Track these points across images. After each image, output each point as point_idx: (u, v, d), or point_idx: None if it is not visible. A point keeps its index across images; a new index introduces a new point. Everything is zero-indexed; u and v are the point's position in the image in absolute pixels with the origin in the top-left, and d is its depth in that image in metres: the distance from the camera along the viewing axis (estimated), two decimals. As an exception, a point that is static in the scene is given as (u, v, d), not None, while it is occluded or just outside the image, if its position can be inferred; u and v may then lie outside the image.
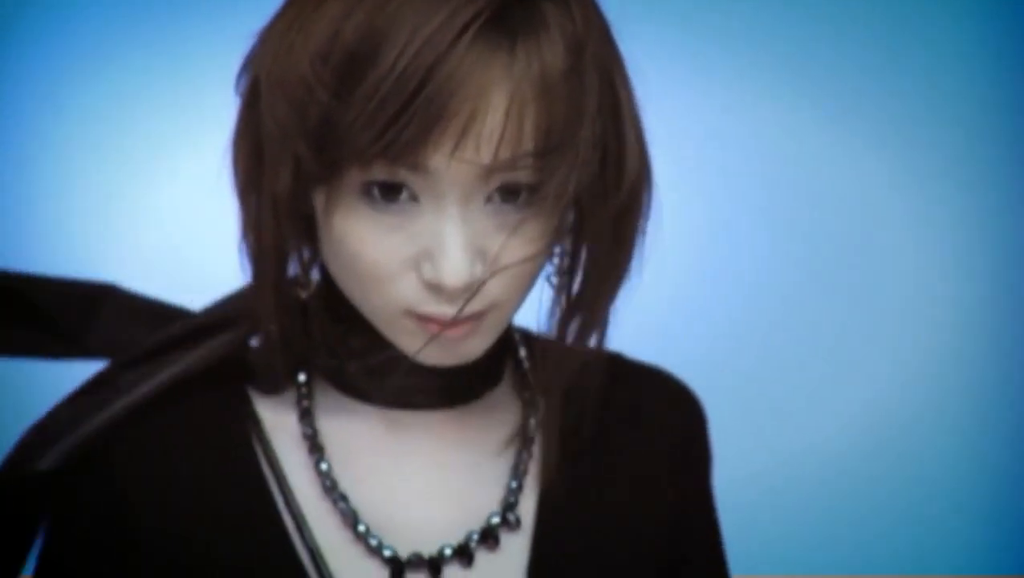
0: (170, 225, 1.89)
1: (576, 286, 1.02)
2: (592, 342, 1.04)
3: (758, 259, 1.89)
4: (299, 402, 1.08)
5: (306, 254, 1.04)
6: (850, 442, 1.92)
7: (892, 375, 1.94)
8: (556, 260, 1.03)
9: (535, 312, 1.05)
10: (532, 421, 1.09)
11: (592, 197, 0.97)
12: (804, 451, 1.87)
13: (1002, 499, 1.94)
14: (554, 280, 1.03)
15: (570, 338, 1.03)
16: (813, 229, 1.92)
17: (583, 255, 1.01)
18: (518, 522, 1.06)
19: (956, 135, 1.93)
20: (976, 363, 1.95)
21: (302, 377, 1.08)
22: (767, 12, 1.91)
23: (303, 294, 1.05)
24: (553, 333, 1.04)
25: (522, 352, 1.11)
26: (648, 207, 1.01)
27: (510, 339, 1.09)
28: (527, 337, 1.11)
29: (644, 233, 1.02)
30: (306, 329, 1.06)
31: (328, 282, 1.04)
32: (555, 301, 1.03)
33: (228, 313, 1.08)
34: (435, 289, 0.96)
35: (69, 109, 1.86)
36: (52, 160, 1.88)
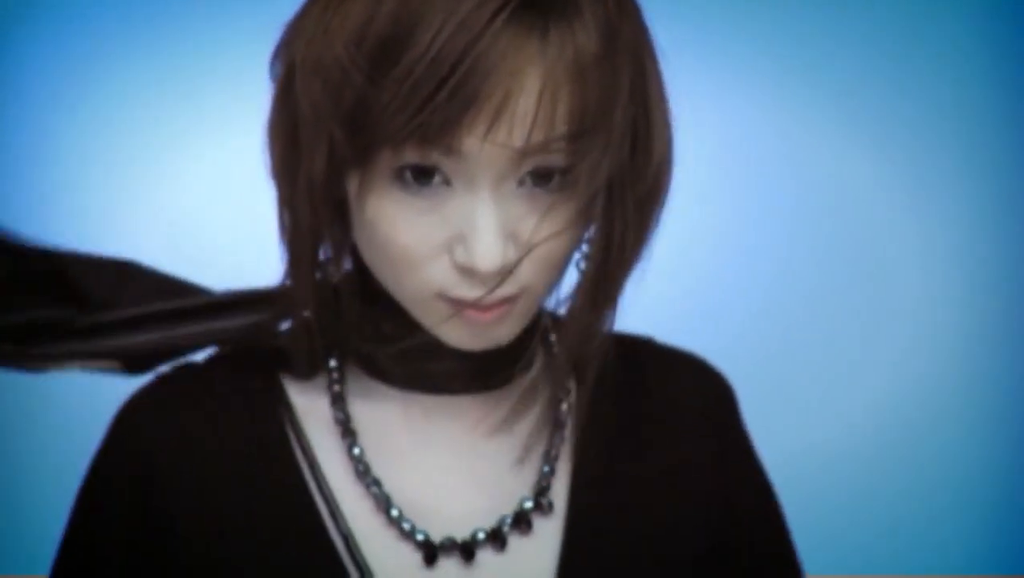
0: (175, 223, 1.88)
1: (590, 267, 1.02)
2: (606, 324, 1.04)
3: (761, 258, 1.90)
4: (331, 387, 1.09)
5: (339, 238, 1.03)
6: (850, 443, 1.93)
7: (892, 376, 1.95)
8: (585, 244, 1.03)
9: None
10: (564, 405, 1.09)
11: (620, 181, 0.97)
12: (805, 452, 1.87)
13: (1004, 499, 1.95)
14: (582, 264, 1.03)
15: (582, 317, 1.03)
16: (818, 228, 1.93)
17: (602, 238, 1.01)
18: (551, 506, 1.06)
19: (973, 135, 1.94)
20: (978, 364, 1.96)
21: (334, 362, 1.09)
22: (785, 16, 1.92)
23: (336, 278, 1.05)
24: (564, 310, 1.03)
25: (553, 337, 1.11)
26: (668, 192, 1.01)
27: (541, 324, 1.09)
28: (558, 322, 1.11)
29: (659, 222, 1.02)
30: (338, 314, 1.06)
31: (361, 267, 1.04)
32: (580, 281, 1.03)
33: (257, 295, 1.08)
34: (467, 272, 0.96)
35: (80, 104, 1.86)
36: (60, 157, 1.87)
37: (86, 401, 1.79)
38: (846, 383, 1.94)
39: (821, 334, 1.96)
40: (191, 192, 1.87)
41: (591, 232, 1.01)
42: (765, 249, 1.91)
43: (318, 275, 1.05)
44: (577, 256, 1.02)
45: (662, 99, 1.00)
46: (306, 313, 1.06)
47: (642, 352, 1.13)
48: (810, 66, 1.93)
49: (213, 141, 1.85)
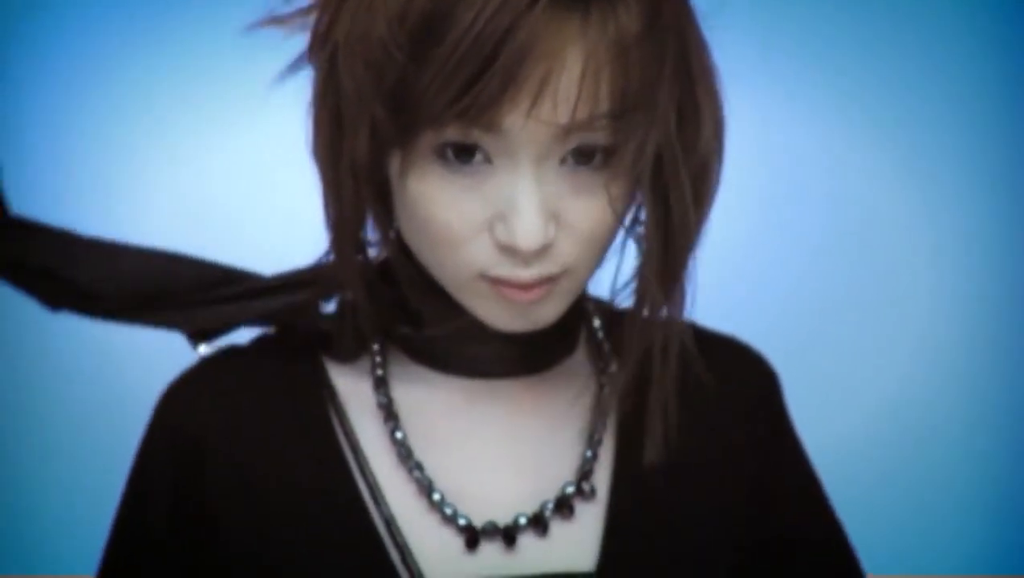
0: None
1: (652, 252, 1.01)
2: (666, 311, 1.04)
3: (764, 258, 1.91)
4: (374, 371, 1.09)
5: (382, 220, 1.04)
6: (850, 445, 1.93)
7: (893, 378, 1.96)
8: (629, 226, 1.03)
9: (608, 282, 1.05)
10: (606, 390, 1.09)
11: (668, 160, 0.97)
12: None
13: (1004, 500, 1.95)
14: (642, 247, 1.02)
15: (644, 306, 1.03)
16: (820, 228, 1.93)
17: (657, 220, 1.00)
18: (593, 492, 1.06)
19: (989, 139, 1.94)
20: (978, 365, 1.97)
21: (377, 346, 1.09)
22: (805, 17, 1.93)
23: (380, 259, 1.05)
24: (620, 301, 1.04)
25: (596, 322, 1.12)
26: (720, 168, 1.01)
27: (584, 308, 1.09)
28: (602, 307, 1.11)
29: (713, 202, 1.02)
30: (382, 297, 1.06)
31: (404, 249, 1.04)
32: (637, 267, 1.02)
33: (301, 277, 1.08)
34: (508, 251, 0.96)
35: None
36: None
37: (86, 401, 1.79)
38: (846, 386, 1.94)
39: (822, 338, 1.97)
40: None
41: (643, 214, 1.01)
42: (768, 249, 1.92)
43: (362, 258, 1.05)
44: (624, 238, 1.02)
45: (708, 76, 0.99)
46: (349, 296, 1.06)
47: (685, 337, 1.12)
48: (820, 67, 1.93)
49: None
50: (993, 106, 1.93)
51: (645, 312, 1.03)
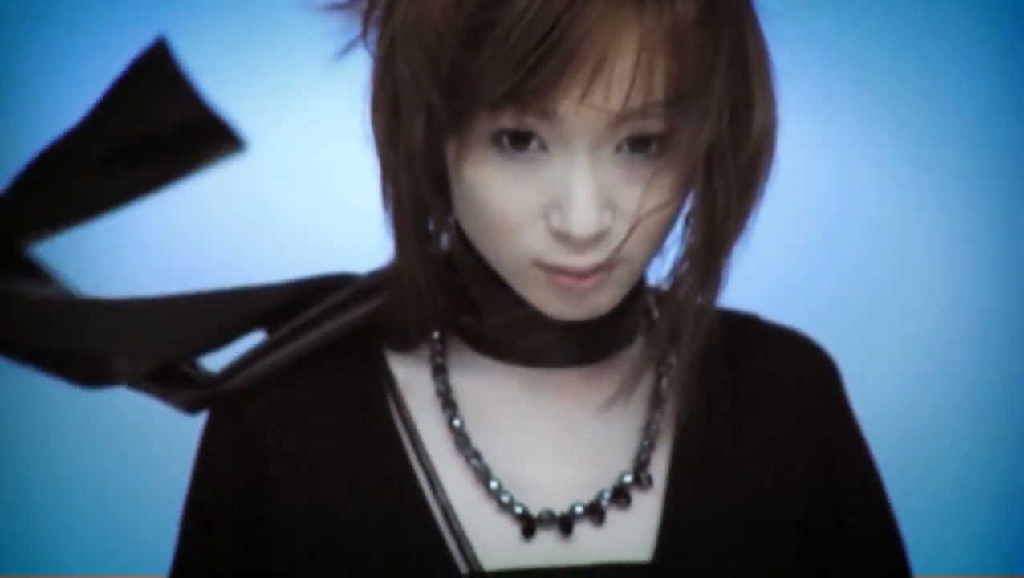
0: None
1: (694, 239, 1.02)
2: (706, 297, 1.04)
3: (763, 258, 1.92)
4: (432, 359, 1.09)
5: (440, 208, 1.04)
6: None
7: (893, 378, 1.97)
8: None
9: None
10: (664, 381, 1.09)
11: (720, 150, 0.97)
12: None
13: (1005, 500, 1.97)
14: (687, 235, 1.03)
15: (685, 291, 1.03)
16: (820, 228, 1.95)
17: (704, 208, 1.00)
18: (650, 481, 1.06)
19: (988, 135, 1.96)
20: (979, 365, 1.98)
21: (436, 334, 1.09)
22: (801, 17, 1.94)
23: (439, 247, 1.05)
24: (667, 285, 1.04)
25: (655, 311, 1.12)
26: (771, 162, 1.01)
27: (643, 297, 1.09)
28: (660, 296, 1.12)
29: (764, 192, 1.02)
30: (442, 286, 1.06)
31: (462, 238, 1.04)
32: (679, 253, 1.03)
33: (381, 279, 1.09)
34: (563, 239, 0.96)
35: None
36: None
37: (86, 402, 1.77)
38: (850, 384, 1.95)
39: (821, 337, 1.97)
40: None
41: (694, 202, 1.01)
42: (768, 248, 1.93)
43: (423, 247, 1.05)
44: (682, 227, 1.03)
45: (763, 67, 0.99)
46: (410, 283, 1.06)
47: (746, 328, 1.12)
48: (820, 66, 1.94)
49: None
50: (994, 106, 1.94)
51: (681, 299, 1.03)
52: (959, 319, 1.98)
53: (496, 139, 0.96)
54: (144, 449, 1.82)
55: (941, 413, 1.96)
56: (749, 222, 1.02)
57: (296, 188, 1.77)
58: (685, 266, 1.02)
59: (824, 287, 1.97)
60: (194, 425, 1.87)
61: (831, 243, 1.96)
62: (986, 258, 1.98)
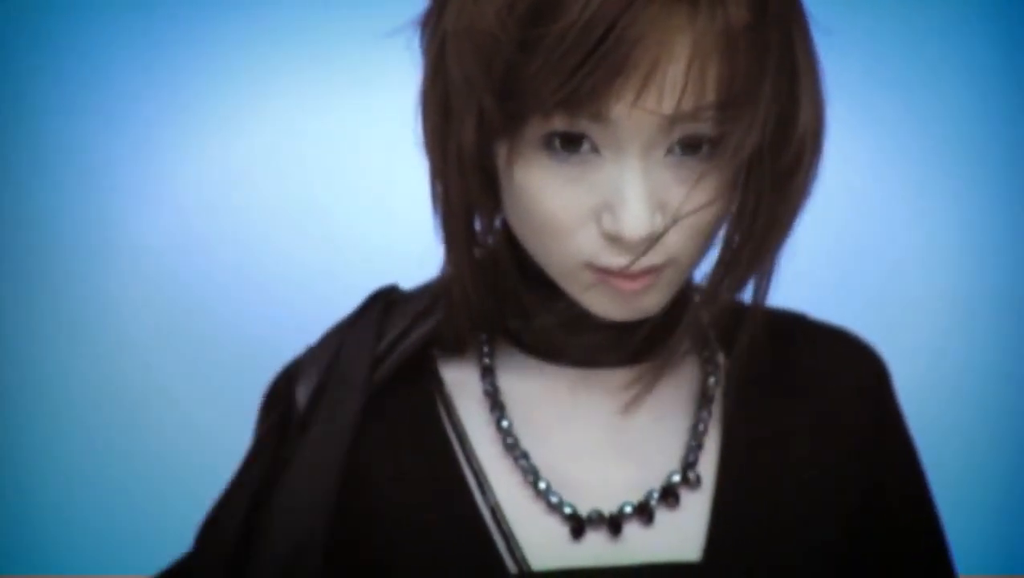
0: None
1: (739, 240, 1.02)
2: (754, 297, 1.04)
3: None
4: (481, 360, 1.09)
5: (489, 210, 1.04)
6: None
7: (895, 376, 1.97)
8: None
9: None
10: (712, 380, 1.10)
11: (764, 152, 0.97)
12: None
13: (1005, 499, 1.98)
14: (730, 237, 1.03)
15: (726, 292, 1.03)
16: (819, 227, 1.95)
17: (748, 209, 1.01)
18: (699, 481, 1.06)
19: (984, 133, 1.96)
20: (980, 365, 1.99)
21: (484, 336, 1.09)
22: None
23: (488, 248, 1.05)
24: (713, 286, 1.03)
25: (702, 312, 1.12)
26: (815, 168, 1.01)
27: (690, 298, 1.09)
28: (707, 296, 1.11)
29: (809, 194, 1.02)
30: (489, 287, 1.06)
31: (511, 240, 1.05)
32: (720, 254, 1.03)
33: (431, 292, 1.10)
34: (614, 241, 0.97)
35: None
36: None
37: (87, 402, 1.76)
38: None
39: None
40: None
41: (739, 204, 1.01)
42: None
43: (472, 249, 1.05)
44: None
45: (812, 72, 0.99)
46: (460, 284, 1.06)
47: (794, 328, 1.12)
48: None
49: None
50: (995, 105, 1.95)
51: (727, 300, 1.04)
52: (959, 319, 1.99)
53: (548, 141, 0.96)
54: (145, 448, 1.81)
55: (941, 412, 1.97)
56: (793, 224, 1.02)
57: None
58: (730, 267, 1.02)
59: (823, 287, 1.97)
60: (195, 425, 1.87)
61: (832, 242, 1.96)
62: (986, 258, 1.98)
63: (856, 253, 1.97)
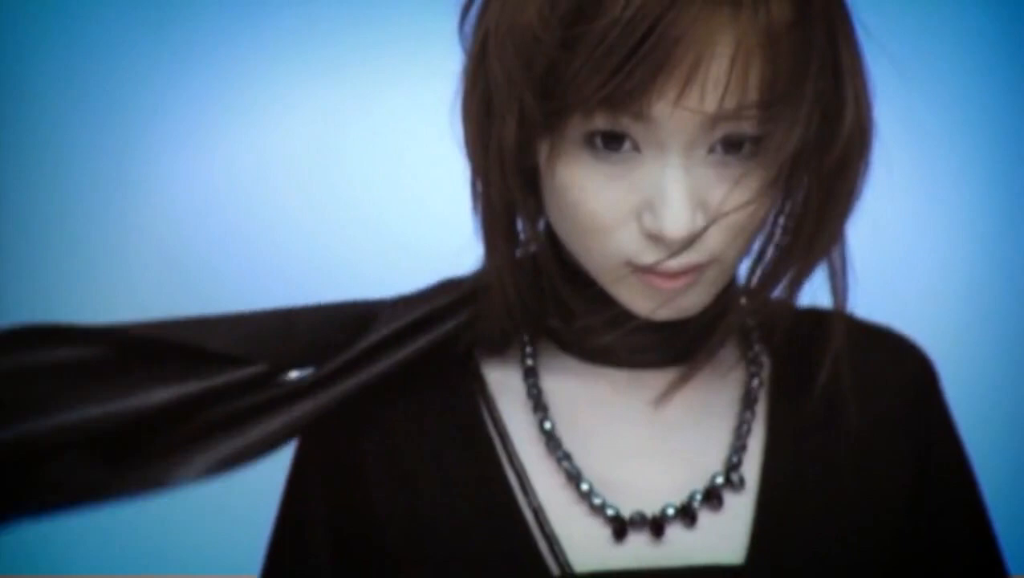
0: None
1: (785, 240, 1.01)
2: (792, 296, 1.03)
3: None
4: (523, 361, 1.09)
5: (531, 209, 1.04)
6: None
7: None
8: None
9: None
10: (755, 381, 1.09)
11: (809, 152, 0.97)
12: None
13: (1005, 499, 1.98)
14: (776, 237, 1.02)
15: (774, 293, 1.03)
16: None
17: (794, 209, 1.00)
18: (742, 482, 1.06)
19: (983, 133, 1.97)
20: (980, 365, 1.99)
21: (526, 336, 1.09)
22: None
23: (529, 248, 1.05)
24: (757, 286, 1.03)
25: (745, 312, 1.11)
26: (864, 169, 1.00)
27: (733, 298, 1.08)
28: (750, 296, 1.11)
29: (859, 194, 1.01)
30: (531, 287, 1.05)
31: (553, 240, 1.04)
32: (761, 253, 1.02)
33: (471, 286, 1.08)
34: (655, 240, 0.96)
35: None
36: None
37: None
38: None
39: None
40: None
41: (784, 204, 1.01)
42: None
43: (513, 249, 1.04)
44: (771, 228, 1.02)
45: (856, 71, 0.98)
46: (501, 284, 1.05)
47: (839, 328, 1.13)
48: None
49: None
50: (994, 105, 1.96)
51: (772, 300, 1.03)
52: (959, 318, 1.99)
53: (589, 140, 0.96)
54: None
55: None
56: (843, 224, 1.01)
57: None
58: (779, 268, 1.01)
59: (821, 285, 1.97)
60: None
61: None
62: (986, 258, 1.99)
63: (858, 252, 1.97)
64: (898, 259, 1.99)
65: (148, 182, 1.81)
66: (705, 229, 0.95)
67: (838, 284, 1.03)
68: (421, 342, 1.06)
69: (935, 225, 1.98)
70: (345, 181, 1.76)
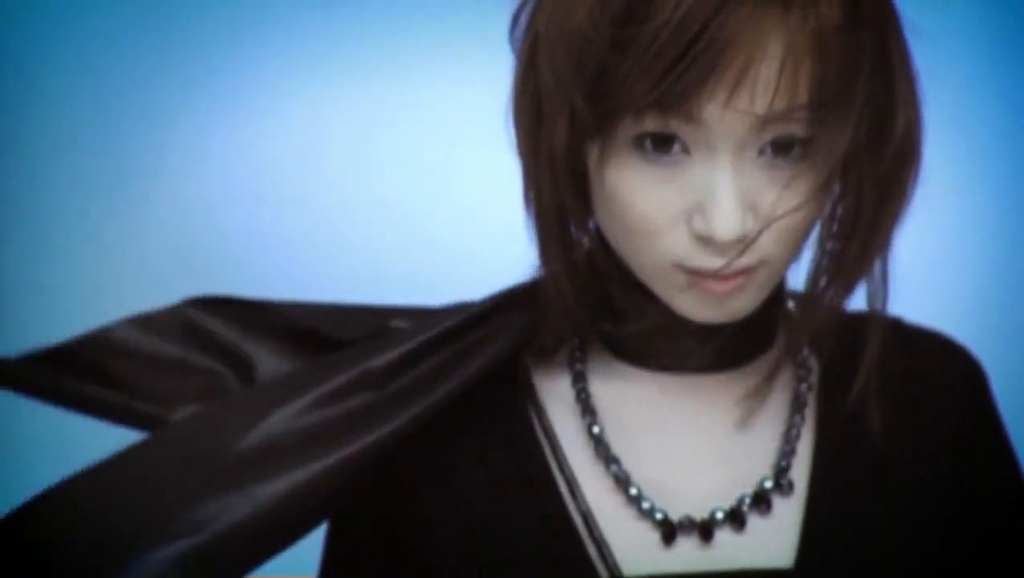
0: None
1: (838, 245, 1.01)
2: (840, 301, 1.03)
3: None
4: (572, 365, 1.09)
5: (581, 212, 1.04)
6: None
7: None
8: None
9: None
10: (804, 385, 1.09)
11: (860, 155, 0.97)
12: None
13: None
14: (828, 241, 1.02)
15: (827, 297, 1.03)
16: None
17: (845, 213, 1.00)
18: (791, 486, 1.05)
19: (982, 134, 1.97)
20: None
21: (576, 340, 1.09)
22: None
23: (579, 253, 1.04)
24: (807, 289, 1.03)
25: (795, 316, 1.11)
26: (917, 171, 1.00)
27: (782, 302, 1.08)
28: (800, 300, 1.11)
29: (910, 198, 1.01)
30: (581, 291, 1.05)
31: (602, 243, 1.04)
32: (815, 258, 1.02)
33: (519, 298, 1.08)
34: (705, 242, 0.96)
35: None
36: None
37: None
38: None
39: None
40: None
41: (835, 207, 1.01)
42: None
43: (565, 253, 1.04)
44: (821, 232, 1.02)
45: (907, 74, 0.99)
46: (554, 288, 1.05)
47: (889, 332, 1.11)
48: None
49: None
50: (993, 105, 1.96)
51: (822, 304, 1.03)
52: (959, 318, 1.99)
53: (639, 142, 0.96)
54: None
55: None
56: (895, 227, 1.01)
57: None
58: (833, 272, 1.01)
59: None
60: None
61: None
62: (986, 257, 2.00)
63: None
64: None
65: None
66: (759, 234, 0.95)
67: (877, 289, 1.03)
68: (490, 353, 1.07)
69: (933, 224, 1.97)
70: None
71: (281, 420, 1.02)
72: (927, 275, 1.87)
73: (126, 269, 1.85)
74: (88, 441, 1.83)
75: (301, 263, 1.77)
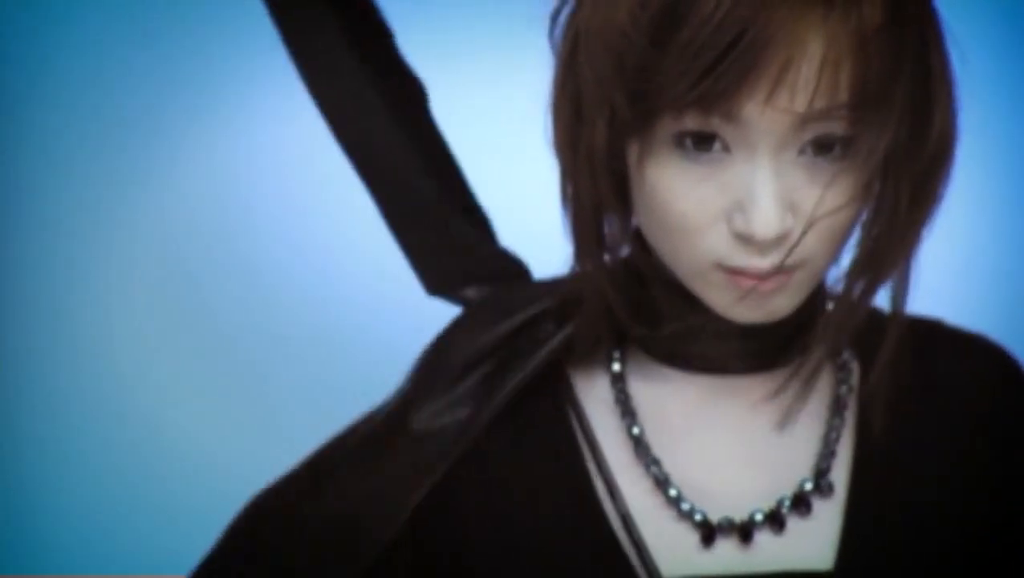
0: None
1: (870, 244, 1.01)
2: (868, 300, 1.03)
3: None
4: (611, 366, 1.09)
5: (620, 212, 1.03)
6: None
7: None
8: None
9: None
10: (844, 387, 1.09)
11: (898, 155, 0.97)
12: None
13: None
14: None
15: (856, 295, 1.02)
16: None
17: (880, 213, 1.00)
18: (831, 488, 1.05)
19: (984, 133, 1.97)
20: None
21: (614, 341, 1.08)
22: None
23: (618, 253, 1.04)
24: (839, 288, 1.03)
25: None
26: (950, 172, 1.00)
27: (822, 303, 1.08)
28: (840, 301, 1.10)
29: (942, 200, 1.01)
30: (620, 292, 1.05)
31: (642, 243, 1.03)
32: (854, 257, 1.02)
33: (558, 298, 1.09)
34: (745, 241, 0.96)
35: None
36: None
37: (89, 400, 1.73)
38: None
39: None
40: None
41: (871, 207, 1.00)
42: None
43: (604, 253, 1.03)
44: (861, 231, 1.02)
45: (945, 74, 0.98)
46: (592, 289, 1.04)
47: (930, 334, 1.11)
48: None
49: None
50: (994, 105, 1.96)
51: (858, 305, 1.03)
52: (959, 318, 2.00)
53: (679, 140, 0.96)
54: (147, 447, 1.78)
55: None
56: (926, 229, 1.01)
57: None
58: (868, 271, 1.01)
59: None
60: (199, 424, 1.83)
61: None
62: (986, 257, 2.00)
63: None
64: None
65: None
66: (803, 235, 0.95)
67: (899, 289, 1.02)
68: (538, 359, 1.08)
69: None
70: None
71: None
72: (943, 277, 1.86)
73: (126, 269, 1.83)
74: (88, 441, 1.82)
75: (303, 263, 1.76)
